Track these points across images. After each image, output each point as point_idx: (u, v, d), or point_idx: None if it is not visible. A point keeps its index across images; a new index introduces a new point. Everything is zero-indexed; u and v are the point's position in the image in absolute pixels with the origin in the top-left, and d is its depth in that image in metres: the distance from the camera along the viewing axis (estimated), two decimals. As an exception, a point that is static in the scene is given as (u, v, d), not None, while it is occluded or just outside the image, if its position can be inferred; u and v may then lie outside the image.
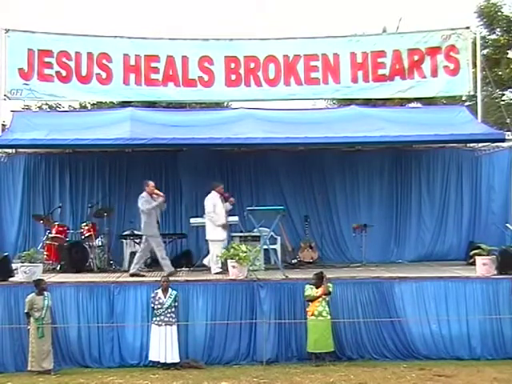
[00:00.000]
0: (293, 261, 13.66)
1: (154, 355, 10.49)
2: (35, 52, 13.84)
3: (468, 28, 14.59)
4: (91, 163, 14.16)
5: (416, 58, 14.34)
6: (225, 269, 11.60)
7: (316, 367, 10.43)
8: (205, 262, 12.48)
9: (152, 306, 10.60)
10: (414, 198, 14.50)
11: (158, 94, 14.59)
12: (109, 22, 31.61)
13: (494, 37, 20.90)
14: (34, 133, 12.28)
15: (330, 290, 10.77)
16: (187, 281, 11.24)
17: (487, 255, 11.36)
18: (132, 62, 14.13)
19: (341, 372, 10.13)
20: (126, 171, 14.27)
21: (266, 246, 12.34)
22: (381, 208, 14.49)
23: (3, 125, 14.19)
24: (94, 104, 22.22)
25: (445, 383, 9.66)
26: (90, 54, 14.01)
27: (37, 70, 13.82)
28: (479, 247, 11.64)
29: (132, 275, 11.74)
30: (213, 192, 12.43)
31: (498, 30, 20.80)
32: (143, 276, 11.71)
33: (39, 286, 10.40)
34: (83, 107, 22.99)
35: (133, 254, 13.39)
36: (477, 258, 11.45)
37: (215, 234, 12.19)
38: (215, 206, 12.27)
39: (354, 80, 14.42)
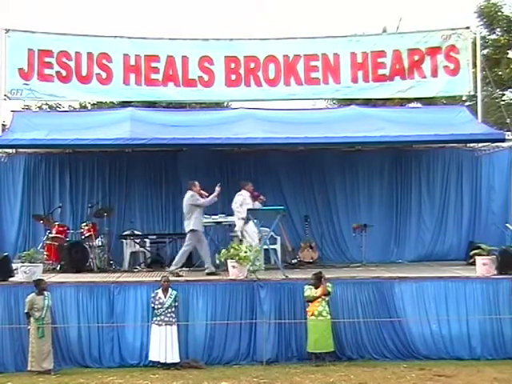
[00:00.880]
0: (293, 261, 13.64)
1: (154, 355, 10.48)
2: (35, 52, 13.84)
3: (468, 28, 14.59)
4: (91, 163, 14.15)
5: (416, 57, 14.34)
6: (224, 269, 11.61)
7: (316, 367, 10.43)
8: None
9: (152, 305, 10.59)
10: (413, 197, 14.48)
11: (157, 94, 14.59)
12: (109, 22, 31.70)
13: (494, 37, 20.91)
14: (34, 133, 12.29)
15: (330, 290, 10.77)
16: (187, 281, 11.24)
17: (487, 255, 11.36)
18: (132, 62, 14.12)
19: (341, 372, 10.12)
20: (126, 171, 14.25)
21: (266, 246, 12.33)
22: (381, 208, 14.47)
23: (3, 125, 14.19)
24: (94, 104, 22.22)
25: (445, 383, 9.65)
26: (90, 54, 14.01)
27: (37, 70, 13.82)
28: (479, 247, 11.63)
29: (173, 274, 11.63)
30: (242, 190, 12.48)
31: (498, 29, 20.81)
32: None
33: (39, 286, 10.39)
34: (83, 107, 22.98)
35: (133, 253, 13.42)
36: (477, 257, 11.45)
37: (249, 227, 12.20)
38: (243, 204, 12.29)
39: (354, 80, 14.42)
